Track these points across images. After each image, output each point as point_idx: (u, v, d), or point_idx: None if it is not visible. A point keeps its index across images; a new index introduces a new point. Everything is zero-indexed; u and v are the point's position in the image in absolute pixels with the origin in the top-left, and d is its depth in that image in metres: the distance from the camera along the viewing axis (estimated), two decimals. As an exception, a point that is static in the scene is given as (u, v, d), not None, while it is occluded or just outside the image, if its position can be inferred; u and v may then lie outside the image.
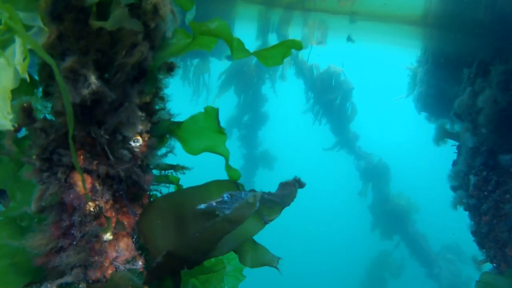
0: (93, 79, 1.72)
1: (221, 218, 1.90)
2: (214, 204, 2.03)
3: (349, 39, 11.08)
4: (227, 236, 2.00)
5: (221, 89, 14.27)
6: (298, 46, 2.20)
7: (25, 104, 1.82)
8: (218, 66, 13.70)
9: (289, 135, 41.36)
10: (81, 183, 1.88)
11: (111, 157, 1.94)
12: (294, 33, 12.85)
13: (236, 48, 2.08)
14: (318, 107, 13.97)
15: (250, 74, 14.32)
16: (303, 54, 13.66)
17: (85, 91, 1.71)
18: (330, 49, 13.13)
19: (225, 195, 2.03)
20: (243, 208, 1.90)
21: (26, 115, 1.82)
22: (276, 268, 2.36)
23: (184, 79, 13.22)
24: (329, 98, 13.59)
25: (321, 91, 13.65)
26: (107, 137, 1.89)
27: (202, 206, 2.06)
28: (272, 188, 2.41)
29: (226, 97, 14.46)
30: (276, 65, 2.23)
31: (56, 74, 1.52)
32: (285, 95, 17.05)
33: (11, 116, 1.74)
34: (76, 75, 1.72)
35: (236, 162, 16.02)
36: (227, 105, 15.10)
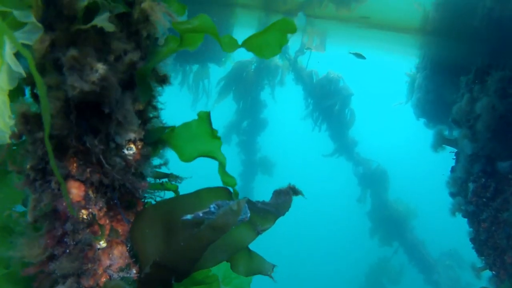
0: (99, 65, 1.70)
1: (204, 226, 1.85)
2: (201, 214, 2.00)
3: (358, 55, 11.10)
4: (217, 246, 1.96)
5: (220, 95, 14.28)
6: (291, 27, 2.03)
7: (24, 110, 1.79)
8: (218, 72, 13.72)
9: (288, 141, 41.36)
10: (75, 191, 1.86)
11: (105, 165, 1.92)
12: (293, 39, 12.87)
13: (224, 41, 2.02)
14: (318, 113, 13.96)
15: (249, 80, 14.32)
16: (302, 60, 13.68)
17: (94, 77, 1.68)
18: (330, 55, 13.15)
19: (212, 206, 1.99)
20: (227, 215, 1.84)
21: (25, 121, 1.79)
22: (271, 276, 2.34)
23: (182, 85, 13.22)
24: (328, 104, 13.59)
25: (320, 97, 13.65)
26: (102, 147, 1.88)
27: (189, 217, 2.03)
28: (271, 194, 2.39)
29: (225, 103, 14.47)
30: (273, 55, 2.08)
31: (36, 76, 1.50)
32: (284, 101, 17.07)
33: (12, 122, 1.73)
34: (81, 64, 1.69)
35: (235, 168, 16.02)
36: (226, 111, 15.10)
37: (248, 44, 2.06)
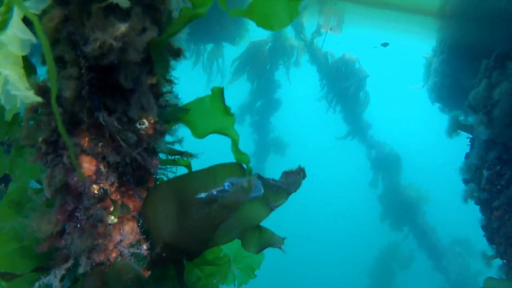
0: (121, 24, 1.68)
1: (216, 205, 1.84)
2: (215, 192, 1.97)
3: (384, 44, 11.02)
4: (231, 223, 1.94)
5: (234, 75, 14.20)
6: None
7: (40, 83, 1.78)
8: (232, 51, 13.64)
9: (302, 122, 41.15)
10: (86, 165, 1.86)
11: (120, 140, 1.90)
12: (309, 19, 12.74)
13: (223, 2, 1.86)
14: (332, 95, 13.84)
15: (263, 60, 14.22)
16: (318, 41, 13.54)
17: (116, 32, 1.67)
18: (346, 37, 13.00)
19: (226, 184, 1.96)
20: (238, 193, 1.81)
21: (42, 94, 1.79)
22: (281, 249, 2.33)
23: (196, 64, 13.17)
24: (343, 86, 13.46)
25: (335, 78, 13.52)
26: (116, 122, 1.87)
27: (203, 195, 2.00)
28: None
29: (239, 83, 14.41)
30: (282, 27, 1.90)
31: (41, 36, 1.48)
32: (299, 82, 16.95)
33: (31, 93, 1.71)
34: (105, 25, 1.67)
35: (248, 147, 16.03)
36: (240, 91, 15.04)
37: (252, 12, 1.89)
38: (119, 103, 1.86)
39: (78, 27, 1.70)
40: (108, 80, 1.80)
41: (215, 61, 13.41)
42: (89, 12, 1.69)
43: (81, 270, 1.96)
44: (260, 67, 14.32)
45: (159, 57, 1.89)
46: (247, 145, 15.96)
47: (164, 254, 1.99)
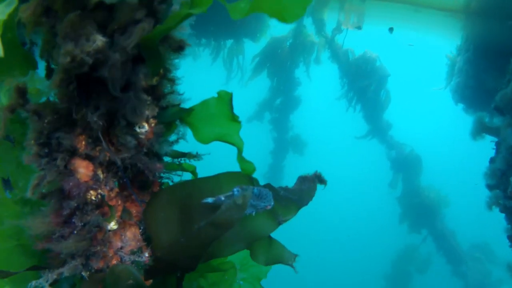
0: (98, 36, 1.51)
1: (205, 223, 1.71)
2: (223, 198, 1.85)
3: (390, 30, 10.86)
4: (235, 234, 1.81)
5: (255, 71, 14.09)
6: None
7: (19, 85, 1.69)
8: (252, 48, 13.52)
9: (321, 121, 40.89)
10: (82, 170, 1.74)
11: (117, 143, 1.78)
12: (330, 16, 12.57)
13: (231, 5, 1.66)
14: (352, 94, 13.64)
15: (284, 56, 14.07)
16: (338, 38, 13.35)
17: (89, 47, 1.50)
18: (367, 34, 12.80)
19: (235, 189, 1.83)
20: (231, 211, 1.68)
21: (20, 95, 1.69)
22: (292, 266, 2.20)
23: (215, 60, 13.08)
24: (364, 84, 13.25)
25: (355, 76, 13.31)
26: (101, 122, 1.73)
27: (210, 200, 1.88)
28: (301, 174, 2.24)
29: (259, 79, 14.29)
30: (297, 18, 1.59)
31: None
32: (319, 80, 16.77)
33: None
34: (79, 33, 1.51)
35: (267, 145, 15.94)
36: (260, 88, 14.93)
37: (259, 6, 1.61)
38: (109, 102, 1.73)
39: (60, 20, 1.55)
40: (96, 77, 1.66)
41: (235, 57, 13.32)
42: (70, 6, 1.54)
43: (77, 274, 1.86)
44: (280, 64, 14.17)
45: (153, 54, 1.72)
46: (266, 142, 15.88)
47: (158, 267, 1.87)
